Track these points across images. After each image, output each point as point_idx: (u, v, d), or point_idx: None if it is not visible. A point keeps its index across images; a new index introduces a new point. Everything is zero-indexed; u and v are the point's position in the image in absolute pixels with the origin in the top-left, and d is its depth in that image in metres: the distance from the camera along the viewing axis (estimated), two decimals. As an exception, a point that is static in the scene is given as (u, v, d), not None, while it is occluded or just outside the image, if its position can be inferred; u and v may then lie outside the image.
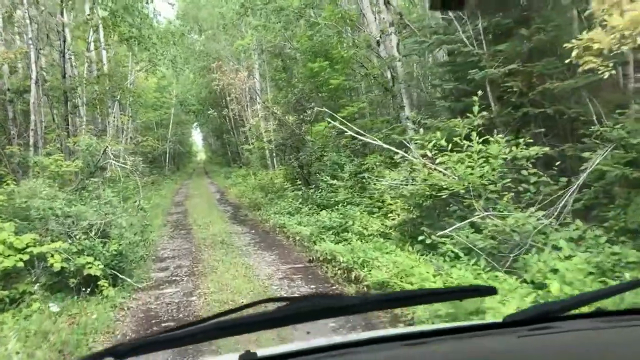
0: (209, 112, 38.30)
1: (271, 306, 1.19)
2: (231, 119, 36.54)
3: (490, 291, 1.37)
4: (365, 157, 13.59)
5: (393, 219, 7.48)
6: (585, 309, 1.44)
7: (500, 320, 1.43)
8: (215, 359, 1.56)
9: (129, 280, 7.75)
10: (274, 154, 25.32)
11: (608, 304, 1.54)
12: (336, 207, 11.57)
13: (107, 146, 12.27)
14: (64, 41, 16.80)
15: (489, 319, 4.13)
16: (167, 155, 38.70)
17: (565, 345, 1.18)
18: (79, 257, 7.18)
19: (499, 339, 1.31)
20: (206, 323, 1.12)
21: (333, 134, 14.69)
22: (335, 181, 12.30)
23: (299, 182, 15.24)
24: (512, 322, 1.36)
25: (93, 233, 7.83)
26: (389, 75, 13.98)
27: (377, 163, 11.99)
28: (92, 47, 19.07)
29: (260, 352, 1.26)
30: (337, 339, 1.40)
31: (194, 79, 39.09)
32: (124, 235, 8.21)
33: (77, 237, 7.52)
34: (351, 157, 13.75)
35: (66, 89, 16.69)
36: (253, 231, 12.93)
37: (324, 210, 11.80)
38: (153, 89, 34.17)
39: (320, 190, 13.89)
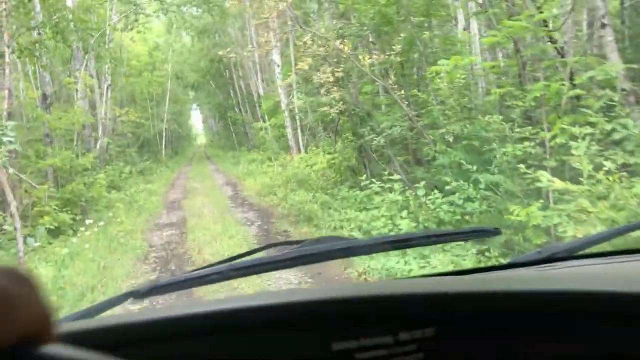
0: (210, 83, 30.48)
1: (283, 250, 1.18)
2: (237, 92, 28.92)
3: (495, 232, 1.33)
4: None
5: None
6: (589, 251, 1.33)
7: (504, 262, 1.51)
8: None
9: None
10: (302, 131, 17.87)
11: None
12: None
13: None
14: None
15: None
16: (164, 137, 30.89)
17: (572, 277, 1.06)
18: None
19: (503, 274, 1.20)
20: (221, 265, 1.11)
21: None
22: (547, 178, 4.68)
23: (394, 178, 7.66)
24: (516, 264, 1.29)
25: None
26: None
27: None
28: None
29: None
30: None
31: (192, 44, 31.16)
32: None
33: None
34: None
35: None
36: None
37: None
38: (143, 55, 26.38)
39: (450, 194, 6.46)
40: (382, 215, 7.03)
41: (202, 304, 0.88)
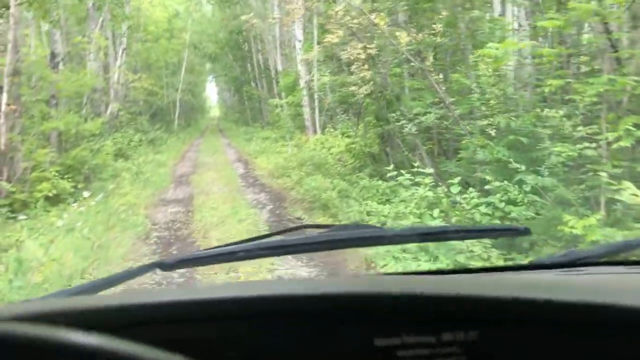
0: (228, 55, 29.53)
1: (310, 232, 1.17)
2: (255, 66, 28.03)
3: (525, 231, 1.26)
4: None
5: None
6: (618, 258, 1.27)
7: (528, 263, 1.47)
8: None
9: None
10: (319, 111, 17.03)
11: None
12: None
13: None
14: None
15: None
16: (177, 107, 30.05)
17: (597, 285, 0.97)
18: None
19: (528, 276, 1.14)
20: (249, 243, 1.10)
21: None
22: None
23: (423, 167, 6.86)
24: (541, 265, 1.26)
25: None
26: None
27: None
28: None
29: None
30: None
31: (212, 14, 30.22)
32: None
33: None
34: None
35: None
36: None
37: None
38: (162, 21, 25.44)
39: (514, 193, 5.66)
40: (411, 212, 6.26)
41: (240, 288, 0.86)
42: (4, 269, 4.76)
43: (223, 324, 0.75)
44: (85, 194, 8.04)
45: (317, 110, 17.11)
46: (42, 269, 5.16)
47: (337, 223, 7.49)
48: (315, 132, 16.96)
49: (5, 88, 8.58)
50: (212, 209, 8.71)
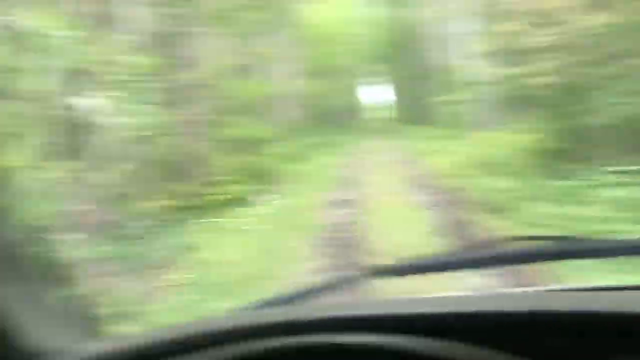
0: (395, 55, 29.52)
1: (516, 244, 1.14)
2: (422, 64, 27.56)
3: None
4: None
5: None
6: None
7: None
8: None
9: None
10: (493, 107, 16.14)
11: None
12: None
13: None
14: None
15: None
16: (346, 109, 30.63)
17: None
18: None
19: None
20: (458, 254, 1.10)
21: None
22: None
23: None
24: None
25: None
26: None
27: None
28: None
29: None
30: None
31: (382, 15, 30.43)
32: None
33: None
34: None
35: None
36: None
37: None
38: (331, 25, 26.14)
39: None
40: (612, 217, 5.49)
41: (453, 302, 0.83)
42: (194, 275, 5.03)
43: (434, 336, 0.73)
44: (262, 197, 8.37)
45: (489, 106, 16.27)
46: (226, 271, 5.41)
47: (518, 228, 6.92)
48: (488, 129, 16.13)
49: (191, 99, 9.30)
50: (383, 211, 8.57)
